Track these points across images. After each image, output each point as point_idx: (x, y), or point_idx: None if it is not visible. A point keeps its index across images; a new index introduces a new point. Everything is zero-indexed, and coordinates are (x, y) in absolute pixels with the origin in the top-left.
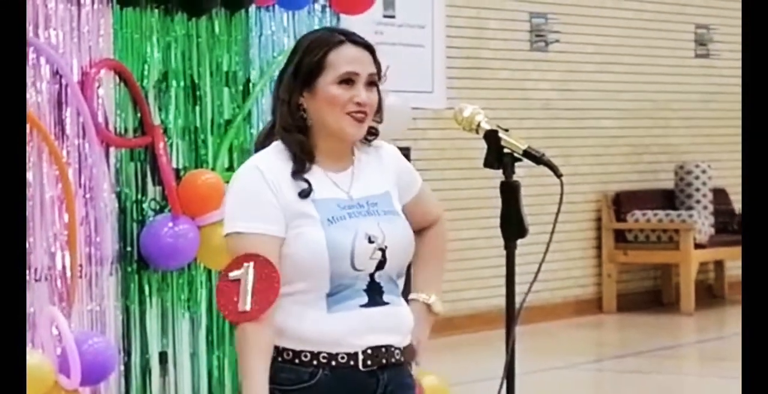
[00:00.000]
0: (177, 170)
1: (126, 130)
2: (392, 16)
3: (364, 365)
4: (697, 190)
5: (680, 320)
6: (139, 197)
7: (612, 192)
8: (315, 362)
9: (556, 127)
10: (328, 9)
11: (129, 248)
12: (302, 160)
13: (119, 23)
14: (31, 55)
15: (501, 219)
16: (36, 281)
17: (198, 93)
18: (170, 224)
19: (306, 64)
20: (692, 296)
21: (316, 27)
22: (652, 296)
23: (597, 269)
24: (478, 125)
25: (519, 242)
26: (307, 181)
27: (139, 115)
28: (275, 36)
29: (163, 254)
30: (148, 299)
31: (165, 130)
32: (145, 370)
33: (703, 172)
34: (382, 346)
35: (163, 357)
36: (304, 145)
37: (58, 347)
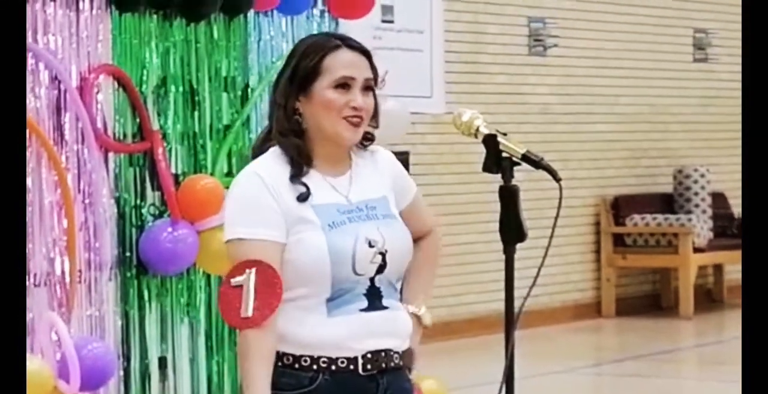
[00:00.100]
0: (176, 175)
1: (125, 135)
2: (391, 21)
3: (364, 369)
4: (696, 194)
5: (679, 324)
6: (138, 202)
7: (611, 196)
8: (315, 367)
9: (554, 131)
10: (326, 14)
11: (128, 253)
12: (300, 164)
13: (118, 29)
14: (29, 61)
15: (500, 223)
16: (35, 286)
17: (197, 98)
18: (169, 229)
19: (302, 68)
20: (691, 300)
21: (315, 32)
22: (651, 300)
23: (596, 273)
24: (477, 130)
25: (518, 246)
26: (305, 185)
27: (137, 120)
28: (274, 41)
29: (162, 259)
30: (147, 304)
31: (164, 136)
32: (145, 375)
33: (702, 176)
34: (381, 350)
35: (162, 362)
36: (301, 149)
37: (57, 353)
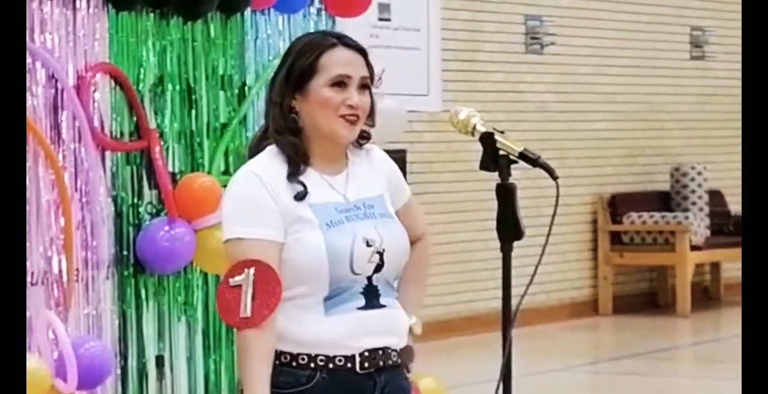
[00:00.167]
0: (173, 174)
1: (122, 134)
2: (387, 20)
3: (362, 367)
4: (693, 192)
5: (676, 322)
6: (136, 200)
7: (607, 194)
8: (312, 365)
9: (551, 129)
10: (323, 12)
11: (125, 252)
12: (297, 162)
13: (115, 27)
14: (26, 60)
15: (497, 221)
16: (32, 285)
17: (194, 97)
18: (166, 228)
19: (298, 67)
20: (688, 297)
21: (312, 30)
22: (648, 298)
23: (593, 271)
24: (474, 128)
25: (515, 244)
26: (302, 183)
27: (135, 119)
28: (271, 39)
29: (159, 258)
30: (144, 303)
31: (161, 134)
32: (142, 374)
33: (699, 174)
34: (379, 348)
35: (159, 361)
36: (298, 147)
37: (54, 351)
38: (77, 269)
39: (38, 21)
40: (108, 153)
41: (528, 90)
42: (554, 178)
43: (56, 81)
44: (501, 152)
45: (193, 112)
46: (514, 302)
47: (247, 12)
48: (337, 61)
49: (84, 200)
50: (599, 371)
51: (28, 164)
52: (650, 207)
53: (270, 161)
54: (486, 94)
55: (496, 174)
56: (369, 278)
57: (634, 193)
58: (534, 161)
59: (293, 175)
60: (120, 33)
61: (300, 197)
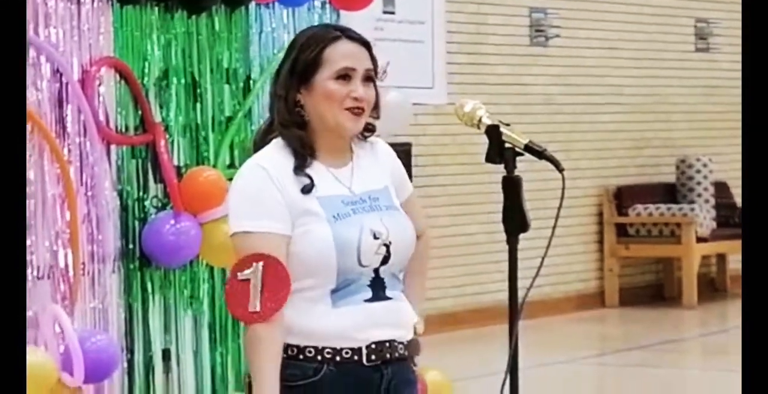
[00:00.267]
0: (178, 168)
1: (127, 127)
2: (392, 13)
3: (368, 359)
4: (699, 183)
5: (682, 314)
6: (141, 194)
7: (613, 186)
8: (319, 358)
9: (556, 121)
10: (327, 5)
11: (131, 246)
12: (303, 155)
13: (119, 21)
14: (31, 54)
15: (503, 214)
16: (38, 279)
17: (198, 90)
18: (172, 222)
19: (302, 60)
20: (694, 289)
21: (316, 24)
22: (654, 290)
23: (599, 263)
24: (480, 120)
25: (521, 236)
26: (309, 176)
27: (139, 112)
28: (275, 33)
29: (165, 252)
30: (150, 297)
31: (166, 128)
32: (148, 367)
33: (705, 165)
34: (385, 341)
35: (166, 354)
36: (304, 140)
37: (61, 345)
38: (83, 263)
39: (43, 15)
40: (113, 147)
41: (533, 82)
42: (560, 170)
43: (61, 75)
44: (507, 145)
45: (198, 105)
46: (520, 294)
47: (252, 5)
48: (341, 54)
49: (89, 193)
50: (606, 363)
51: (33, 158)
52: (656, 199)
53: (276, 154)
54: (491, 86)
55: (501, 166)
56: (376, 271)
57: (640, 186)
58: (540, 153)
59: (300, 168)
60: (125, 27)
61: (307, 189)
